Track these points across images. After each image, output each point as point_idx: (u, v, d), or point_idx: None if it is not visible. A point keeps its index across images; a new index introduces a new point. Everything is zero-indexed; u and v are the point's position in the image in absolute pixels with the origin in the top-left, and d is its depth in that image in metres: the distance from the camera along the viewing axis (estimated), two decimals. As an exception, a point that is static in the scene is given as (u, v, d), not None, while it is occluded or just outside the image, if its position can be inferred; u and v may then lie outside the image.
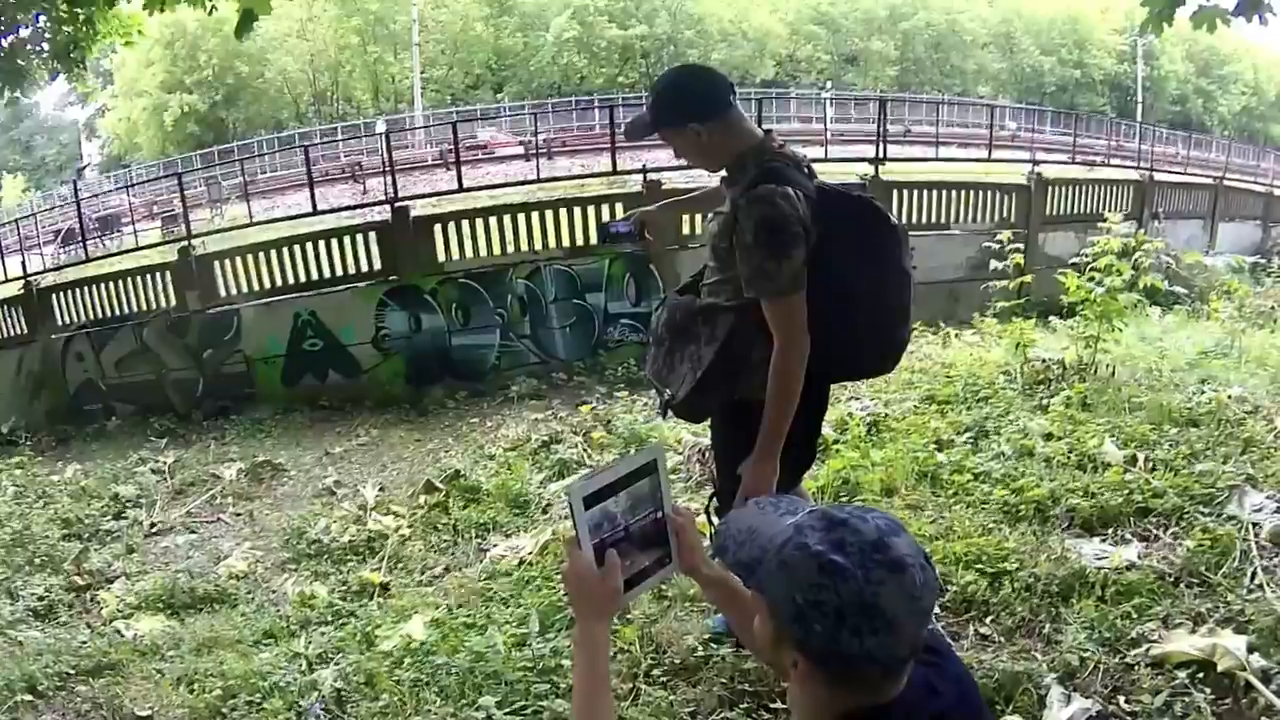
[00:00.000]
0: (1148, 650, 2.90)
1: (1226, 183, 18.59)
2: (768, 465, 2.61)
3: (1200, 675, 2.77)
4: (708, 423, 3.09)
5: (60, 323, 11.15)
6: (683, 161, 2.78)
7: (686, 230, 9.95)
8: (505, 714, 2.90)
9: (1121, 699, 2.77)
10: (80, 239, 15.05)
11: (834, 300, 2.54)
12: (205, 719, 3.42)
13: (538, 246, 10.40)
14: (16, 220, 15.69)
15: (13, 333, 11.51)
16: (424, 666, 3.37)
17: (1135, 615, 3.12)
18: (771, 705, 2.91)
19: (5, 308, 11.63)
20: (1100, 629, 3.06)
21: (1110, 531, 3.83)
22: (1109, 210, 7.27)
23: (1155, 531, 3.78)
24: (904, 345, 2.80)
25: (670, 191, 8.56)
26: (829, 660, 1.23)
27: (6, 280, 13.22)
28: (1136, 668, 2.87)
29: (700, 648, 3.24)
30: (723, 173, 2.73)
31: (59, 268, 14.01)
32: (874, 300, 2.62)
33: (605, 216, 10.18)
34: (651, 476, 1.62)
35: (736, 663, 3.10)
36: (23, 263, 13.80)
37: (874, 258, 2.61)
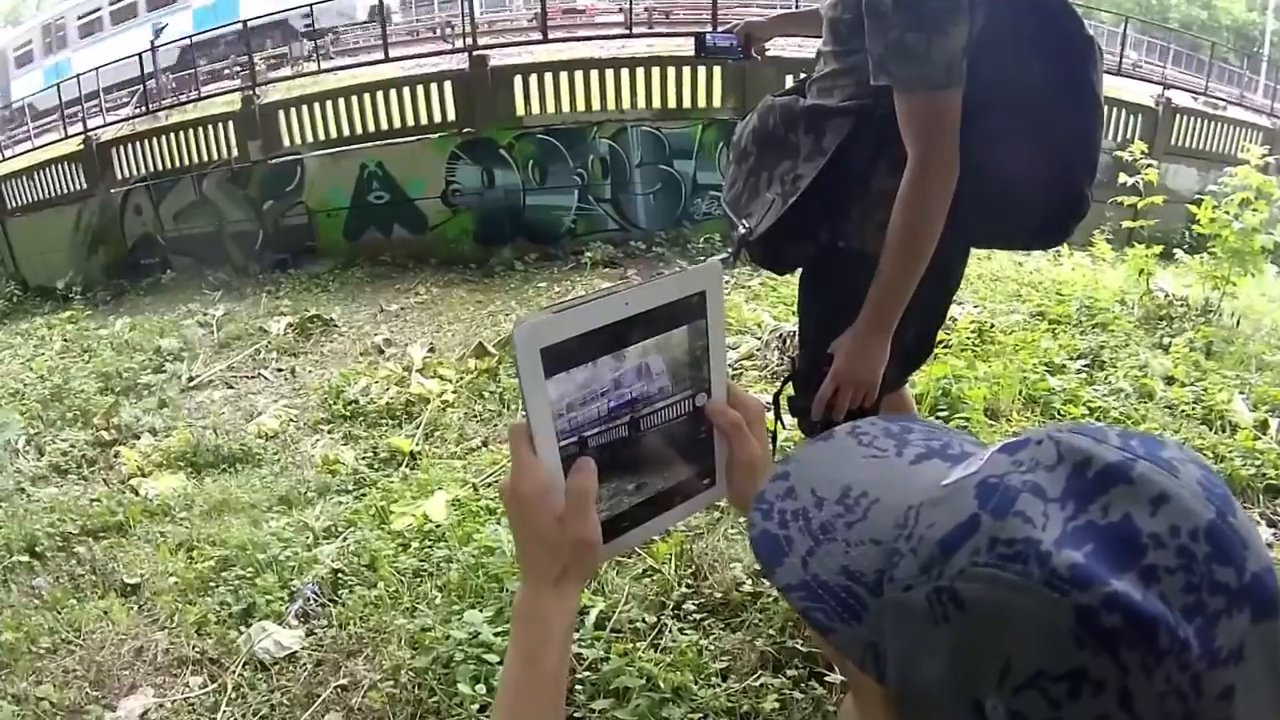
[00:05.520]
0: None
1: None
2: (875, 342, 1.78)
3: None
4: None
5: (120, 177, 10.80)
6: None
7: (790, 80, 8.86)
8: (493, 633, 2.32)
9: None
10: (154, 98, 14.60)
11: (999, 122, 1.67)
12: (194, 590, 3.18)
13: (625, 106, 9.46)
14: (77, 76, 15.27)
15: (72, 188, 11.21)
16: (430, 555, 2.97)
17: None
18: (828, 678, 2.26)
19: (65, 164, 11.32)
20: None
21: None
22: (1240, 150, 6.34)
23: (1285, 518, 3.14)
24: (1086, 208, 1.85)
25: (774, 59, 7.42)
26: None
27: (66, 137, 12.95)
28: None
29: (749, 581, 2.65)
30: None
31: (128, 118, 13.63)
32: (1056, 132, 1.74)
33: (701, 77, 9.22)
34: (694, 326, 0.81)
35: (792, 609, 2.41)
36: (82, 119, 13.45)
37: (1060, 70, 1.72)
